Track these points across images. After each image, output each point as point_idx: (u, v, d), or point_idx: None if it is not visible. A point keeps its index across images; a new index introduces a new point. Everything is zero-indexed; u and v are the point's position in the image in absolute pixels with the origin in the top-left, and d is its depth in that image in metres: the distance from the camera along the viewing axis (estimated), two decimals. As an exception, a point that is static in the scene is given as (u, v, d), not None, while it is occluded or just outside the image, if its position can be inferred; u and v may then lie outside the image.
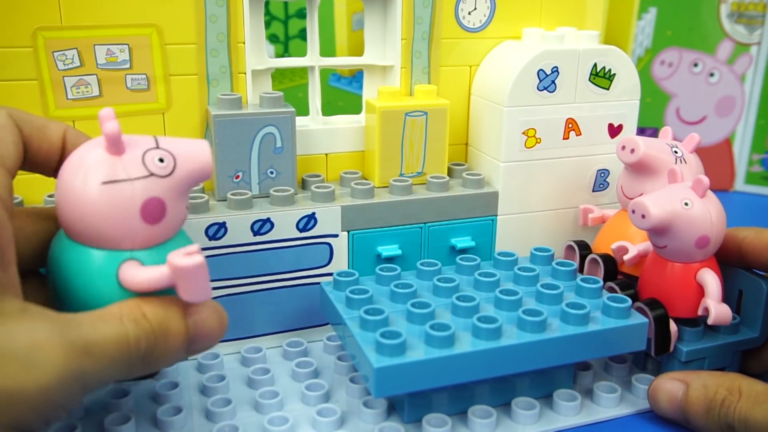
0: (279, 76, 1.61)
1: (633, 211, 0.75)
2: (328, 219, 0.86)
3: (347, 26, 1.70)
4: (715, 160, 1.52)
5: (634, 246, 0.83)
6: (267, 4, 1.28)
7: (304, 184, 0.91)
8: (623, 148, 0.84)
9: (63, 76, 0.80)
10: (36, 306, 0.54)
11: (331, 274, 0.85)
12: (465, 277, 0.84)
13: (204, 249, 0.81)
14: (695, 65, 1.51)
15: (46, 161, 0.64)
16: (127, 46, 0.81)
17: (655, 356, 0.78)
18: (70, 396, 0.52)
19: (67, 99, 0.81)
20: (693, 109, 1.53)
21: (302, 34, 1.66)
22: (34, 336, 0.51)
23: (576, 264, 0.85)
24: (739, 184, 1.54)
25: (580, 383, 0.81)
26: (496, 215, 0.93)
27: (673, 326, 0.78)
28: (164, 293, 0.60)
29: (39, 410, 0.50)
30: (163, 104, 0.85)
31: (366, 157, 0.94)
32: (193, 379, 0.81)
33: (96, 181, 0.59)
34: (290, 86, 1.64)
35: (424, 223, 0.90)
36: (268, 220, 0.83)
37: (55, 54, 0.79)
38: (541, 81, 0.89)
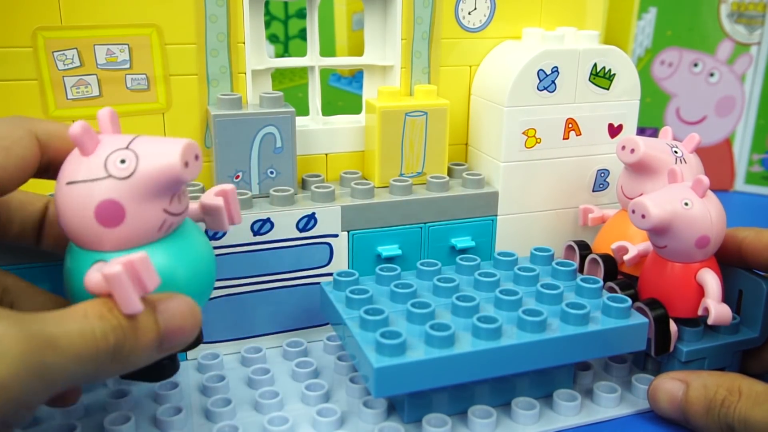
0: (279, 76, 1.61)
1: (633, 211, 0.75)
2: (328, 219, 0.86)
3: (347, 26, 1.71)
4: (715, 160, 1.52)
5: (634, 246, 0.83)
6: (267, 4, 1.28)
7: (304, 184, 0.91)
8: (623, 148, 0.84)
9: (63, 76, 0.80)
10: None
11: (331, 274, 0.85)
12: (465, 277, 0.84)
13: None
14: (695, 65, 1.51)
15: (23, 177, 0.64)
16: (127, 46, 0.81)
17: (655, 356, 0.78)
18: (31, 392, 0.51)
19: (67, 99, 0.81)
20: (693, 109, 1.53)
21: (302, 34, 1.66)
22: None
23: (576, 264, 0.85)
24: (739, 184, 1.54)
25: (580, 383, 0.81)
26: (496, 215, 0.93)
27: (673, 326, 0.78)
28: None
29: None
30: (163, 104, 0.85)
31: (366, 157, 0.94)
32: (193, 379, 0.81)
33: (62, 182, 0.60)
34: (290, 86, 1.64)
35: (424, 223, 0.90)
36: (268, 220, 0.83)
37: (55, 54, 0.79)
38: (541, 81, 0.89)
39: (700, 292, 0.77)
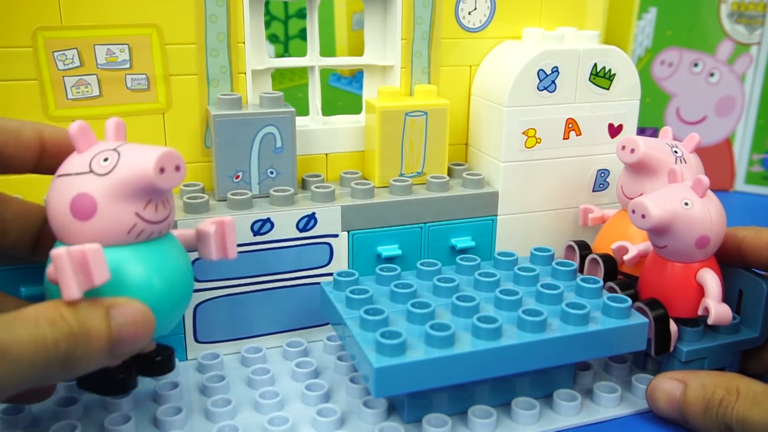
0: (279, 76, 1.61)
1: (633, 211, 0.75)
2: (328, 219, 0.86)
3: (347, 26, 1.71)
4: (715, 160, 1.52)
5: (634, 246, 0.83)
6: (267, 4, 1.28)
7: (304, 184, 0.91)
8: (623, 148, 0.84)
9: (63, 76, 0.80)
10: None
11: (331, 274, 0.85)
12: (465, 277, 0.84)
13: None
14: (695, 65, 1.51)
15: (22, 163, 0.66)
16: (127, 46, 0.82)
17: (655, 356, 0.78)
18: None
19: (67, 99, 0.81)
20: (693, 109, 1.53)
21: (302, 34, 1.66)
22: None
23: (576, 264, 0.85)
24: (739, 184, 1.54)
25: (580, 383, 0.81)
26: (496, 215, 0.93)
27: (673, 326, 0.78)
28: (91, 294, 0.60)
29: None
30: (163, 104, 0.85)
31: (366, 157, 0.94)
32: (193, 379, 0.81)
33: (56, 175, 0.63)
34: (290, 86, 1.64)
35: (424, 223, 0.90)
36: (268, 220, 0.83)
37: (55, 54, 0.79)
38: (541, 81, 0.89)
39: (700, 292, 0.77)
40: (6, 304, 0.67)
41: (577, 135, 0.93)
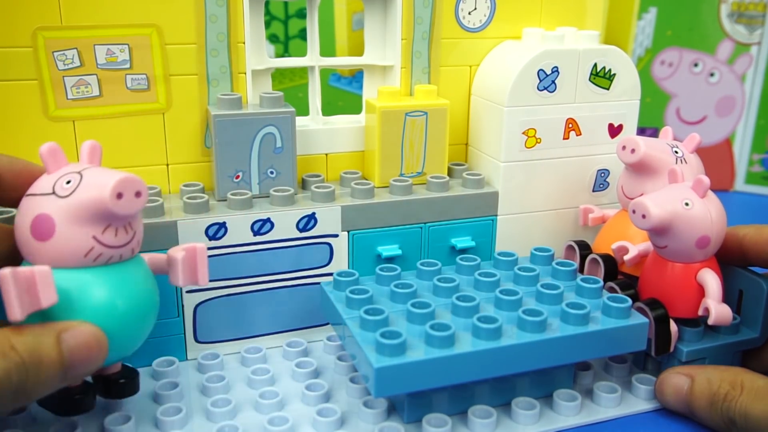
0: (279, 76, 1.61)
1: (633, 211, 0.75)
2: (329, 219, 0.86)
3: (347, 26, 1.71)
4: (715, 160, 1.52)
5: (635, 246, 0.83)
6: (267, 4, 1.28)
7: (304, 184, 0.91)
8: (624, 148, 0.84)
9: (63, 76, 0.80)
10: None
11: (331, 274, 0.85)
12: (465, 277, 0.84)
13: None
14: (695, 65, 1.51)
15: None
16: (127, 46, 0.82)
17: (656, 356, 0.78)
18: None
19: (67, 99, 0.81)
20: (693, 109, 1.53)
21: (302, 34, 1.66)
22: None
23: (576, 264, 0.85)
24: (739, 184, 1.54)
25: (580, 383, 0.81)
26: (496, 215, 0.93)
27: (673, 326, 0.78)
28: (37, 318, 0.60)
29: None
30: (163, 104, 0.85)
31: (366, 157, 0.94)
32: (193, 379, 0.81)
33: (25, 193, 0.64)
34: (290, 86, 1.64)
35: (424, 223, 0.90)
36: (269, 220, 0.83)
37: (55, 54, 0.79)
38: (541, 81, 0.89)
39: (701, 292, 0.77)
40: None
41: (577, 135, 0.93)
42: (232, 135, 0.84)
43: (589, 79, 0.91)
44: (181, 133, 0.86)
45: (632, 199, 0.80)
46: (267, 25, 1.40)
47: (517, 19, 0.97)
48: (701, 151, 0.87)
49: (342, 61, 1.01)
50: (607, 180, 0.97)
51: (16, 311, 0.57)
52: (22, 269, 0.57)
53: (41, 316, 0.61)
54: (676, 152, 0.84)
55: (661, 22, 1.51)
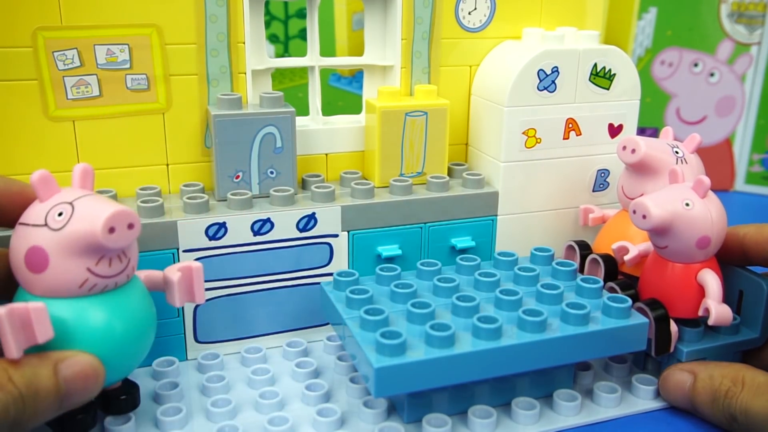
0: (279, 76, 1.61)
1: (634, 212, 0.75)
2: (329, 219, 0.86)
3: (347, 26, 1.71)
4: (715, 160, 1.52)
5: (635, 246, 0.83)
6: (267, 4, 1.28)
7: (304, 184, 0.91)
8: (624, 148, 0.84)
9: (63, 76, 0.80)
10: None
11: (331, 274, 0.85)
12: (465, 277, 0.84)
13: (204, 249, 0.81)
14: (695, 65, 1.51)
15: None
16: (127, 46, 0.82)
17: (656, 356, 0.79)
18: None
19: (67, 99, 0.81)
20: (693, 109, 1.53)
21: (302, 34, 1.66)
22: None
23: (576, 264, 0.85)
24: (739, 184, 1.54)
25: (580, 383, 0.81)
26: (496, 215, 0.93)
27: (673, 326, 0.78)
28: (35, 347, 0.60)
29: None
30: (163, 104, 0.85)
31: (366, 157, 0.94)
32: (194, 379, 0.81)
33: (18, 221, 0.64)
34: (290, 86, 1.64)
35: (424, 223, 0.90)
36: (269, 220, 0.83)
37: (55, 54, 0.79)
38: (541, 81, 0.89)
39: (701, 292, 0.77)
40: None
41: (577, 135, 0.93)
42: (232, 135, 0.84)
43: (589, 79, 0.91)
44: (181, 133, 0.86)
45: (632, 199, 0.80)
46: (267, 25, 1.40)
47: (517, 19, 0.97)
48: (701, 151, 0.87)
49: (342, 61, 1.01)
50: (607, 180, 0.97)
51: (12, 350, 0.58)
52: (17, 306, 0.57)
53: (39, 346, 0.61)
54: (677, 152, 0.84)
55: (661, 22, 1.51)
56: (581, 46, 0.91)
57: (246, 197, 0.83)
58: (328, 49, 1.63)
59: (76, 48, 0.80)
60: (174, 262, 0.81)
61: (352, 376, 0.80)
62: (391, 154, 0.91)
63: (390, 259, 0.89)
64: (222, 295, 0.84)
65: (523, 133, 0.91)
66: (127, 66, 0.82)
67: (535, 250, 0.88)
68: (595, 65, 0.91)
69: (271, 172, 0.86)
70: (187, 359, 0.85)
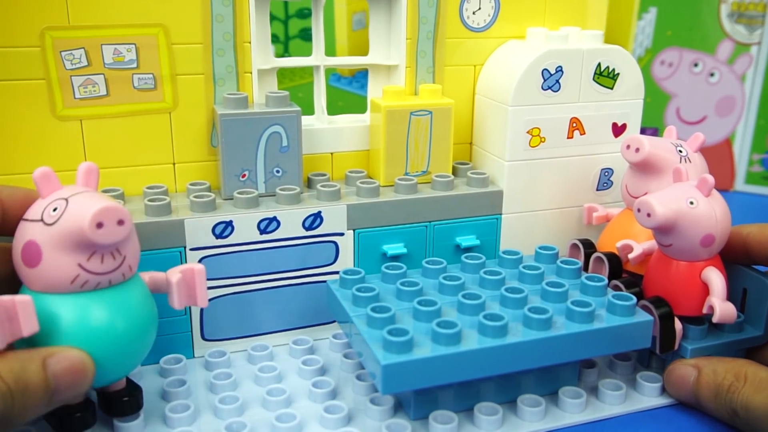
0: (279, 75, 1.61)
1: (639, 210, 0.75)
2: (334, 217, 0.86)
3: (347, 26, 1.71)
4: (715, 160, 1.52)
5: (639, 244, 0.83)
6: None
7: (309, 183, 0.91)
8: (628, 147, 0.85)
9: (70, 76, 0.81)
10: None
11: (336, 273, 0.86)
12: (470, 276, 0.84)
13: (211, 248, 0.82)
14: (695, 65, 1.52)
15: None
16: (134, 46, 0.82)
17: (660, 354, 0.79)
18: None
19: (75, 98, 0.81)
20: (693, 109, 1.54)
21: (302, 34, 1.67)
22: None
23: (581, 262, 0.86)
24: (739, 184, 1.54)
25: (585, 381, 0.82)
26: (501, 214, 0.93)
27: (678, 324, 0.78)
28: (25, 344, 0.61)
29: None
30: (170, 103, 0.85)
31: (371, 156, 0.94)
32: (201, 377, 0.82)
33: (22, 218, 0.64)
34: (290, 86, 1.65)
35: (429, 222, 0.90)
36: (275, 218, 0.84)
37: (63, 53, 0.80)
38: (545, 80, 0.90)
39: (705, 290, 0.78)
40: None
41: (581, 134, 0.93)
42: (239, 134, 0.84)
43: (593, 79, 0.92)
44: (188, 132, 0.87)
45: (636, 197, 0.80)
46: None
47: (521, 19, 0.97)
48: (701, 151, 0.88)
49: (347, 60, 1.01)
50: (610, 179, 0.97)
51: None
52: (3, 299, 0.58)
53: (29, 342, 0.62)
54: (680, 151, 0.85)
55: (661, 22, 1.52)
56: (585, 45, 0.91)
57: (252, 196, 0.84)
58: (328, 49, 1.62)
59: (84, 48, 0.80)
60: (181, 260, 0.81)
61: (358, 373, 0.80)
62: (396, 153, 0.91)
63: (395, 258, 0.89)
64: (228, 293, 0.85)
65: (528, 132, 0.91)
66: (134, 65, 0.83)
67: (540, 248, 0.89)
68: (599, 65, 0.91)
69: (277, 171, 0.86)
70: (194, 357, 0.85)
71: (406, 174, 0.92)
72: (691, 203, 0.75)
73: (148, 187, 0.85)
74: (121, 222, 0.61)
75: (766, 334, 0.81)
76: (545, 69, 0.89)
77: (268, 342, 0.87)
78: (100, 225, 0.60)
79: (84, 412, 0.68)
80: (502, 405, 0.76)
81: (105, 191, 0.83)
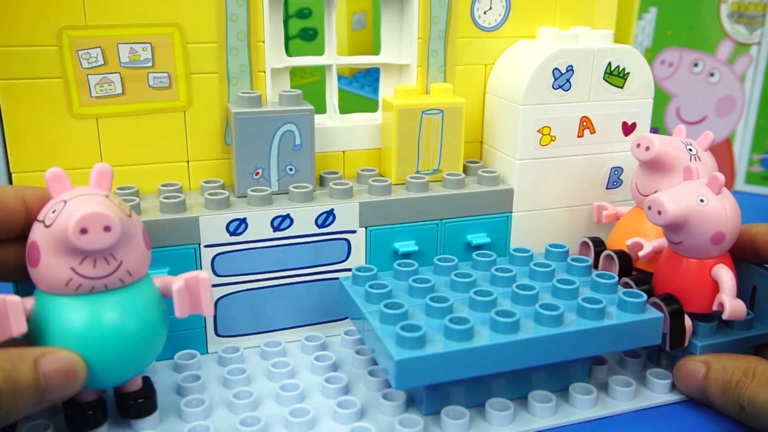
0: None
1: (649, 208, 0.76)
2: (347, 215, 0.87)
3: (347, 26, 1.71)
4: (716, 160, 1.52)
5: (649, 242, 0.84)
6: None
7: (322, 181, 0.92)
8: (638, 145, 0.86)
9: (87, 75, 0.81)
10: None
11: (348, 270, 0.86)
12: (481, 273, 0.85)
13: (225, 245, 0.82)
14: (695, 65, 1.52)
15: (8, 227, 0.67)
16: (149, 45, 0.82)
17: (670, 351, 0.79)
18: None
19: (91, 97, 0.82)
20: (693, 109, 1.54)
21: (302, 34, 1.67)
22: None
23: (591, 260, 0.86)
24: (739, 184, 1.54)
25: (595, 377, 0.82)
26: (511, 212, 0.94)
27: (687, 321, 0.79)
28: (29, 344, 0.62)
29: None
30: (185, 102, 0.86)
31: (383, 155, 0.95)
32: (215, 372, 0.82)
33: None
34: (294, 86, 1.65)
35: (440, 220, 0.91)
36: (288, 216, 0.84)
37: (80, 52, 0.80)
38: (556, 80, 0.90)
39: (715, 287, 0.78)
40: None
41: (591, 133, 0.94)
42: (252, 132, 0.85)
43: (603, 78, 0.92)
44: (202, 130, 0.88)
45: (646, 196, 0.81)
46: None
47: (532, 19, 0.98)
48: (704, 150, 0.89)
49: (360, 60, 1.01)
50: (620, 177, 0.98)
51: None
52: None
53: (31, 342, 0.63)
54: (690, 150, 0.85)
55: (661, 22, 1.52)
56: (595, 45, 0.92)
57: (265, 194, 0.84)
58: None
59: (100, 47, 0.81)
60: (195, 257, 0.82)
61: (370, 369, 0.81)
62: (407, 151, 0.91)
63: (406, 255, 0.90)
64: (242, 290, 0.85)
65: (538, 131, 0.92)
66: (150, 64, 0.83)
67: (550, 246, 0.89)
68: (609, 64, 0.92)
69: (290, 169, 0.87)
70: (207, 353, 0.86)
71: (418, 172, 0.93)
72: (702, 201, 0.75)
73: (163, 185, 0.86)
74: (107, 228, 0.61)
75: (776, 331, 0.82)
76: (556, 68, 0.90)
77: (280, 338, 0.87)
78: (84, 231, 0.60)
79: (95, 410, 0.69)
80: (513, 401, 0.77)
81: (120, 189, 0.84)
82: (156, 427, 0.72)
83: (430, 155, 0.92)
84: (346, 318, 0.89)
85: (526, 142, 0.92)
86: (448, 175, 0.92)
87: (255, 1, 0.85)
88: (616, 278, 0.81)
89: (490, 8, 0.95)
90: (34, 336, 0.64)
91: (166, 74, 0.84)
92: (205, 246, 0.82)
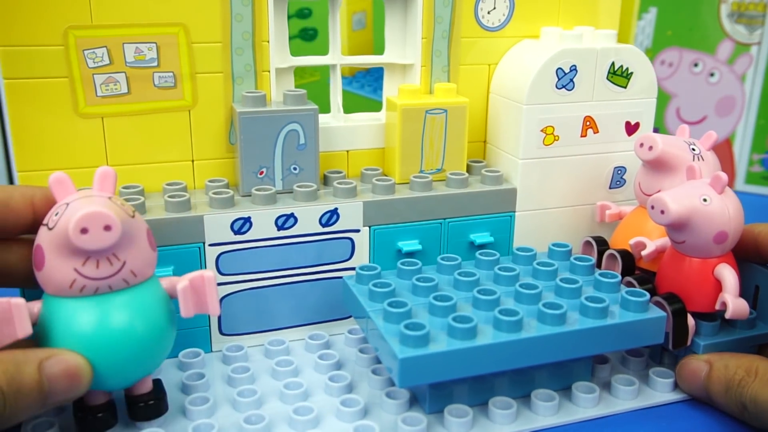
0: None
1: (652, 207, 0.76)
2: (350, 214, 0.87)
3: (347, 26, 1.71)
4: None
5: (652, 242, 0.84)
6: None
7: (326, 180, 0.92)
8: (641, 145, 0.86)
9: (93, 74, 0.81)
10: None
11: (352, 269, 0.87)
12: (485, 272, 0.85)
13: (229, 243, 0.83)
14: (695, 65, 1.52)
15: (16, 228, 0.68)
16: (155, 45, 0.83)
17: (673, 350, 0.80)
18: None
19: (97, 96, 0.82)
20: (693, 109, 1.54)
21: (302, 34, 1.67)
22: None
23: (594, 259, 0.86)
24: (740, 184, 1.55)
25: (597, 376, 0.83)
26: (515, 211, 0.94)
27: (690, 320, 0.79)
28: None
29: None
30: (189, 101, 0.86)
31: (387, 154, 0.95)
32: (219, 371, 0.83)
33: None
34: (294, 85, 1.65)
35: (444, 219, 0.91)
36: (292, 215, 0.85)
37: (86, 52, 0.80)
38: (559, 79, 0.90)
39: (718, 287, 0.78)
40: None
41: (594, 133, 0.94)
42: (257, 132, 0.85)
43: (607, 78, 0.93)
44: (207, 129, 0.88)
45: (649, 195, 0.81)
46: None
47: (536, 19, 0.98)
48: (705, 150, 0.89)
49: (364, 59, 1.01)
50: (623, 177, 0.98)
51: None
52: (0, 301, 0.59)
53: (37, 344, 0.63)
54: (693, 149, 0.86)
55: (661, 22, 1.52)
56: (599, 45, 0.92)
57: (270, 193, 0.84)
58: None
59: (106, 46, 0.81)
60: (200, 256, 0.82)
61: (373, 367, 0.81)
62: (411, 151, 0.92)
63: (410, 254, 0.90)
64: (246, 289, 0.86)
65: (542, 130, 0.92)
66: (155, 64, 0.83)
67: (553, 245, 0.89)
68: (613, 64, 0.92)
69: (295, 168, 0.87)
70: (212, 351, 0.86)
71: (421, 172, 0.93)
72: (705, 200, 0.76)
73: (168, 184, 0.86)
74: (108, 227, 0.61)
75: (779, 330, 0.83)
76: (559, 68, 0.90)
77: (284, 337, 0.88)
78: (84, 230, 0.60)
79: (106, 412, 0.69)
80: (516, 399, 0.77)
81: (125, 188, 0.84)
82: (161, 425, 0.72)
83: (433, 155, 0.92)
84: (350, 317, 0.89)
85: (529, 142, 0.92)
86: (451, 174, 0.92)
87: (260, 1, 0.86)
88: (619, 277, 0.81)
89: (494, 8, 0.95)
90: (41, 338, 0.64)
91: (171, 74, 0.84)
92: (210, 245, 0.82)
